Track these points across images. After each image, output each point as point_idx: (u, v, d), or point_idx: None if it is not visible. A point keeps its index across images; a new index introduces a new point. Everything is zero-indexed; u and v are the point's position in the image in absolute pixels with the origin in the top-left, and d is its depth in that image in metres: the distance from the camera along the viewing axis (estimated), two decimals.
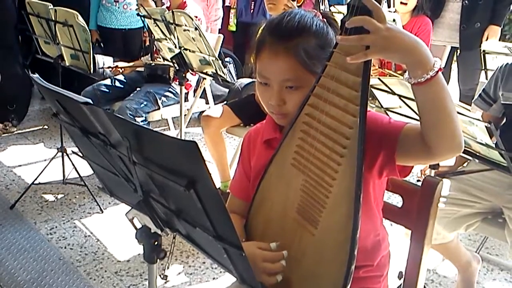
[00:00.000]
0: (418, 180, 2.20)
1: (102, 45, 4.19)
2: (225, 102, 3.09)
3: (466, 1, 3.48)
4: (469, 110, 1.68)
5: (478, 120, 1.64)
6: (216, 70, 2.69)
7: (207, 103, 3.52)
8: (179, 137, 1.98)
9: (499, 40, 3.54)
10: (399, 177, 1.10)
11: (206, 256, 1.09)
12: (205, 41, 2.54)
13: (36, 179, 3.01)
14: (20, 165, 3.45)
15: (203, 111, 3.12)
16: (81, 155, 1.23)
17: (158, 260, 1.14)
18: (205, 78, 3.31)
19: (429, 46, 3.21)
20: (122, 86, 3.32)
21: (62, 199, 3.01)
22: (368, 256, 1.20)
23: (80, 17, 2.70)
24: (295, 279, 1.12)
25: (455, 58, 4.00)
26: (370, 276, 1.23)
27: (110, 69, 3.43)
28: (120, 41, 4.08)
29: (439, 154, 1.02)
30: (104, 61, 3.41)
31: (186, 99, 3.30)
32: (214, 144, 2.78)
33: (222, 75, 2.67)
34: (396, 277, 1.39)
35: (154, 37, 3.04)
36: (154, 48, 3.36)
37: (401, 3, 3.21)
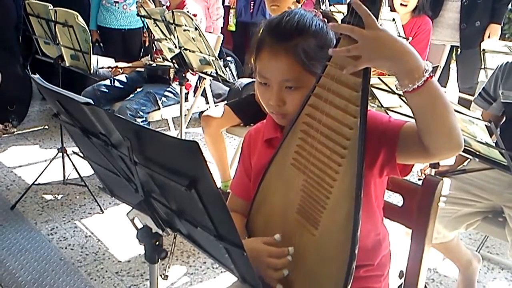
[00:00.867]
0: (419, 179, 2.19)
1: (102, 46, 4.19)
2: (225, 101, 3.09)
3: (466, 0, 3.48)
4: (468, 109, 1.68)
5: (478, 119, 1.64)
6: (216, 70, 2.69)
7: (207, 103, 3.52)
8: (179, 137, 1.98)
9: (499, 39, 3.54)
10: (400, 176, 1.10)
11: (207, 255, 1.09)
12: (205, 41, 2.54)
13: (36, 179, 3.01)
14: (20, 166, 3.45)
15: (203, 111, 3.12)
16: (82, 155, 1.23)
17: (159, 260, 1.14)
18: (205, 78, 3.31)
19: (429, 46, 3.23)
20: (122, 87, 3.32)
21: (62, 199, 3.01)
22: (368, 255, 1.20)
23: (80, 18, 2.70)
24: (296, 278, 1.13)
25: (454, 57, 4.01)
26: (371, 275, 1.23)
27: (110, 69, 3.43)
28: (119, 41, 4.09)
29: (438, 154, 1.02)
30: (99, 61, 3.40)
31: (186, 99, 3.30)
32: (214, 144, 2.78)
33: (222, 75, 2.68)
34: (397, 276, 1.39)
35: (154, 37, 3.04)
36: (154, 48, 3.37)
37: (401, 4, 3.21)
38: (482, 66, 2.56)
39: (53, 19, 2.76)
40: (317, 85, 1.07)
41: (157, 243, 1.11)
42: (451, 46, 3.68)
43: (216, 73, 2.69)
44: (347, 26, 0.96)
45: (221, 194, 0.86)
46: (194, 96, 3.46)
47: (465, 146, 1.82)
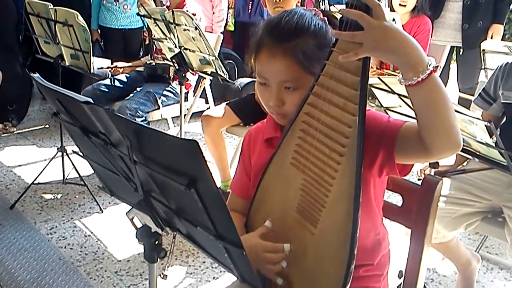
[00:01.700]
0: (419, 179, 2.20)
1: (102, 45, 4.19)
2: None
3: (468, 0, 3.48)
4: (468, 109, 1.68)
5: (478, 119, 1.64)
6: (216, 70, 2.69)
7: (206, 102, 3.52)
8: (179, 136, 1.98)
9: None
10: (399, 175, 1.10)
11: (207, 255, 1.09)
12: (205, 40, 2.54)
13: (36, 179, 3.01)
14: (20, 165, 3.45)
15: (203, 111, 3.12)
16: (82, 154, 1.23)
17: (158, 259, 1.14)
18: (205, 78, 3.31)
19: (428, 46, 3.23)
20: (122, 86, 3.31)
21: (62, 198, 3.01)
22: (368, 255, 1.20)
23: (80, 17, 2.70)
24: (295, 278, 1.13)
25: (454, 57, 4.01)
26: (370, 275, 1.23)
27: (110, 69, 3.43)
28: (120, 41, 4.09)
29: (437, 153, 1.02)
30: (95, 62, 3.40)
31: (186, 99, 3.30)
32: (214, 144, 2.78)
33: (222, 74, 2.68)
34: (396, 276, 1.39)
35: (154, 36, 3.04)
36: (154, 48, 3.36)
37: (400, 4, 3.20)
38: (482, 67, 2.56)
39: (53, 18, 2.76)
40: (316, 84, 1.07)
41: (157, 242, 1.11)
42: (451, 46, 3.68)
43: (216, 72, 2.69)
44: (357, 12, 0.95)
45: (221, 194, 0.86)
46: (193, 96, 3.46)
47: (464, 146, 1.83)
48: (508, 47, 2.41)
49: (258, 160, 1.26)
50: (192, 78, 3.32)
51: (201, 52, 2.63)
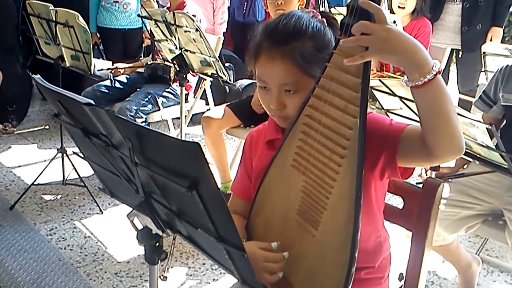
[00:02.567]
0: (419, 182, 2.19)
1: (102, 47, 4.19)
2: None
3: (467, 3, 3.48)
4: (469, 111, 1.68)
5: (479, 121, 1.64)
6: (216, 71, 2.69)
7: (207, 104, 3.52)
8: (179, 138, 1.97)
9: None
10: (401, 179, 1.10)
11: (207, 257, 1.09)
12: (205, 42, 2.54)
13: (35, 179, 3.00)
14: (19, 166, 3.45)
15: (203, 113, 3.12)
16: (82, 155, 1.23)
17: (159, 261, 1.14)
18: (205, 79, 3.31)
19: (428, 48, 3.23)
20: (122, 87, 3.31)
21: (61, 199, 3.01)
22: (369, 258, 1.20)
23: (80, 18, 2.70)
24: (296, 280, 1.12)
25: (454, 60, 4.01)
26: (371, 278, 1.23)
27: (110, 70, 3.43)
28: (120, 41, 4.08)
29: (440, 156, 1.02)
30: (97, 64, 3.40)
31: (186, 100, 3.30)
32: (214, 145, 2.78)
33: (223, 76, 2.68)
34: (396, 278, 1.38)
35: (154, 38, 3.04)
36: (155, 48, 3.36)
37: (399, 7, 3.21)
38: (482, 69, 2.56)
39: (54, 19, 2.76)
40: (316, 86, 1.07)
41: (157, 244, 1.11)
42: (451, 49, 3.68)
43: (217, 74, 2.69)
44: (359, 24, 0.95)
45: (222, 196, 0.86)
46: (194, 97, 3.46)
47: (465, 149, 1.83)
48: (509, 49, 2.41)
49: (259, 162, 1.26)
50: (192, 79, 3.32)
51: (201, 53, 2.63)
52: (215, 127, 2.73)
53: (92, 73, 2.84)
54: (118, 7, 3.99)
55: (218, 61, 2.61)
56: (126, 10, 4.00)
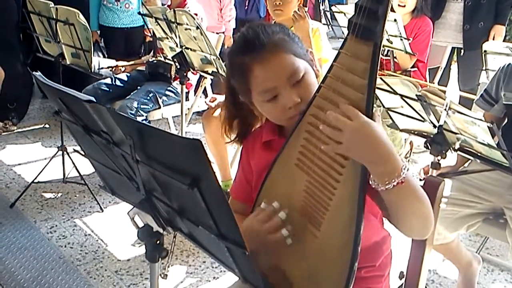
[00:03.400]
0: (420, 180, 2.19)
1: (104, 45, 4.18)
2: None
3: (469, 1, 3.48)
4: (470, 109, 1.68)
5: (480, 120, 1.64)
6: (217, 69, 2.68)
7: None
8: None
9: None
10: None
11: (208, 255, 1.09)
12: (206, 40, 2.53)
13: (36, 177, 3.00)
14: (20, 164, 3.45)
15: (203, 110, 3.11)
16: (83, 153, 1.22)
17: (160, 259, 1.13)
18: (205, 77, 3.30)
19: (429, 47, 3.22)
20: (122, 85, 3.31)
21: (62, 197, 3.01)
22: (370, 256, 1.20)
23: (81, 16, 2.69)
24: (298, 279, 1.12)
25: (455, 58, 4.00)
26: (372, 276, 1.23)
27: (111, 68, 3.42)
28: (122, 40, 4.08)
29: (407, 235, 1.09)
30: (100, 62, 3.40)
31: (186, 98, 3.30)
32: (215, 143, 2.78)
33: (223, 74, 2.67)
34: (397, 277, 1.38)
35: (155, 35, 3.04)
36: (157, 46, 3.36)
37: (399, 5, 3.20)
38: (483, 68, 2.56)
39: (54, 17, 2.76)
40: (322, 86, 1.07)
41: (158, 242, 1.11)
42: (452, 47, 3.67)
43: (217, 72, 2.69)
44: (334, 116, 0.98)
45: (224, 193, 0.86)
46: (194, 95, 3.46)
47: (466, 147, 1.83)
48: (510, 48, 2.41)
49: (258, 163, 1.26)
50: (192, 77, 3.32)
51: (202, 51, 2.63)
52: (216, 125, 2.72)
53: (92, 71, 2.83)
54: (120, 6, 3.98)
55: (219, 59, 2.61)
56: (128, 9, 3.99)
